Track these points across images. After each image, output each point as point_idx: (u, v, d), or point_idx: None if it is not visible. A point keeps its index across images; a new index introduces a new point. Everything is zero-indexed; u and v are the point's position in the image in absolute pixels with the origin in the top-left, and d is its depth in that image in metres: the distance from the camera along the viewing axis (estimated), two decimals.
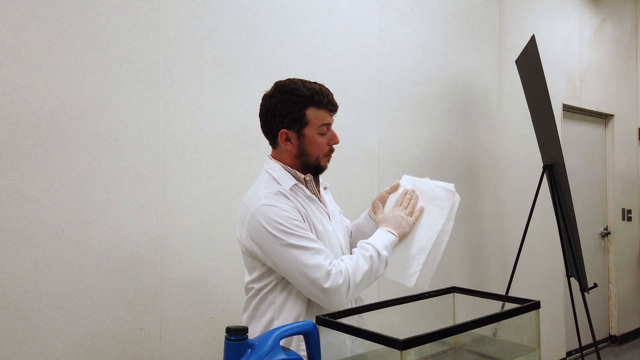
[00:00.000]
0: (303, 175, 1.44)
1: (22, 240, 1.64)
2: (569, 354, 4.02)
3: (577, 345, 3.37)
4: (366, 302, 1.38)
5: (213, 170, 2.07)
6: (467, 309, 1.43)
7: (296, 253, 1.28)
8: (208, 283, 2.04)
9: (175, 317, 1.95)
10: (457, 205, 1.43)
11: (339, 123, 2.56)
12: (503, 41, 3.46)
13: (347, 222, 1.71)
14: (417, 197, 1.46)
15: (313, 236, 1.34)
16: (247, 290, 1.44)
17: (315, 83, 1.42)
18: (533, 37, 2.66)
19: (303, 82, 1.41)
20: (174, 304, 1.95)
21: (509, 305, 1.34)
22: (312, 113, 1.39)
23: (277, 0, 2.28)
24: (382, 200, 1.54)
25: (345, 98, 2.52)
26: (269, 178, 1.42)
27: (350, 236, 1.65)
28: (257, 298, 1.40)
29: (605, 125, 4.68)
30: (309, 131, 1.40)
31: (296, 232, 1.30)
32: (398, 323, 1.29)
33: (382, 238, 1.37)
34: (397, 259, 1.41)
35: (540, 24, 3.77)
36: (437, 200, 1.43)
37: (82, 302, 1.75)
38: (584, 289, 2.69)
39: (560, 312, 3.92)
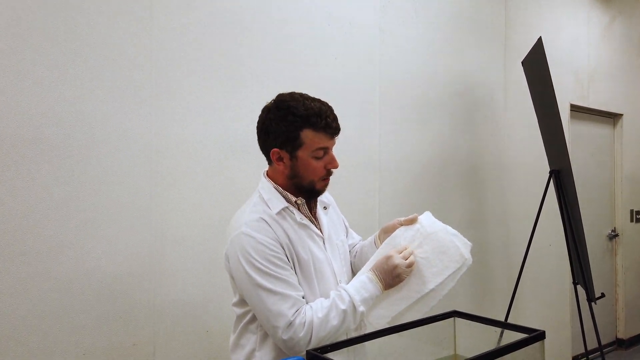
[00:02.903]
0: (295, 198, 1.36)
1: (9, 255, 1.59)
2: (575, 358, 3.95)
3: (582, 350, 3.31)
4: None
5: (209, 181, 2.01)
6: (468, 335, 1.37)
7: (263, 295, 1.23)
8: (203, 296, 1.98)
9: (170, 332, 1.90)
10: (464, 269, 1.32)
11: (341, 126, 2.49)
12: (509, 41, 3.37)
13: (357, 238, 1.64)
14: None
15: (287, 275, 1.26)
16: (234, 311, 1.40)
17: (317, 101, 1.32)
18: (540, 39, 2.58)
19: (305, 99, 1.31)
20: (168, 318, 1.90)
21: (511, 333, 1.28)
22: (307, 135, 1.29)
23: (274, 2, 2.21)
24: (392, 230, 1.42)
25: (346, 102, 2.45)
26: (258, 199, 1.36)
27: (354, 257, 1.57)
28: (241, 324, 1.36)
29: (613, 125, 4.58)
30: (302, 154, 1.31)
31: (268, 271, 1.23)
32: (395, 353, 1.23)
33: (365, 289, 1.27)
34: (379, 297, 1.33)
35: (548, 23, 3.68)
36: (446, 256, 1.31)
37: (72, 318, 1.70)
38: (590, 299, 2.62)
39: (566, 317, 3.85)
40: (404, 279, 1.29)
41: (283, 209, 1.34)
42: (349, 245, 1.58)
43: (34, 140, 1.64)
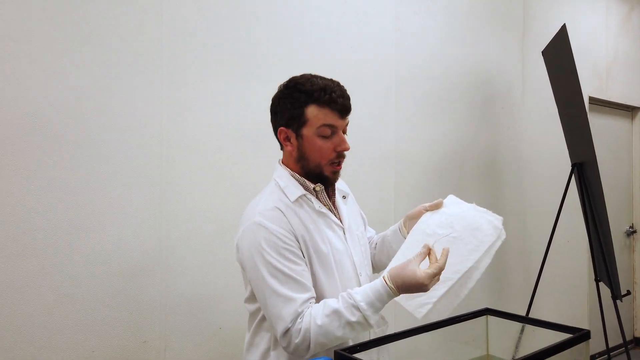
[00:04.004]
0: (313, 185, 1.28)
1: (14, 250, 1.53)
2: (592, 357, 3.86)
3: (601, 348, 3.22)
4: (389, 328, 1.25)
5: (221, 173, 1.93)
6: (501, 333, 1.28)
7: (267, 294, 1.16)
8: (215, 292, 1.91)
9: (181, 329, 1.83)
10: (499, 244, 1.24)
11: (355, 118, 2.42)
12: (527, 32, 3.27)
13: (372, 232, 1.56)
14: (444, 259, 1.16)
15: (298, 271, 1.17)
16: (246, 308, 1.32)
17: (327, 79, 1.25)
18: (564, 27, 2.48)
19: (314, 77, 1.25)
20: (179, 314, 1.83)
21: (542, 331, 1.20)
22: (312, 111, 1.22)
23: None
24: (417, 216, 1.34)
25: (361, 92, 2.37)
26: (275, 187, 1.28)
27: (374, 248, 1.50)
28: (255, 322, 1.29)
29: (632, 118, 4.47)
30: (307, 131, 1.23)
31: (278, 265, 1.16)
32: (425, 353, 1.15)
33: (380, 301, 1.13)
34: None
35: (566, 14, 3.57)
36: (479, 232, 1.24)
37: (81, 315, 1.63)
38: (616, 296, 2.52)
39: (584, 314, 3.76)
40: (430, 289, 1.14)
41: (300, 197, 1.26)
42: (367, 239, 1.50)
43: (41, 130, 1.57)
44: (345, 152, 1.27)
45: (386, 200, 2.49)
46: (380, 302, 1.12)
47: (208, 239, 1.89)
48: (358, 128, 2.35)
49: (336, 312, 1.12)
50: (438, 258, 1.13)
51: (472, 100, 2.92)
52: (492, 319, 1.25)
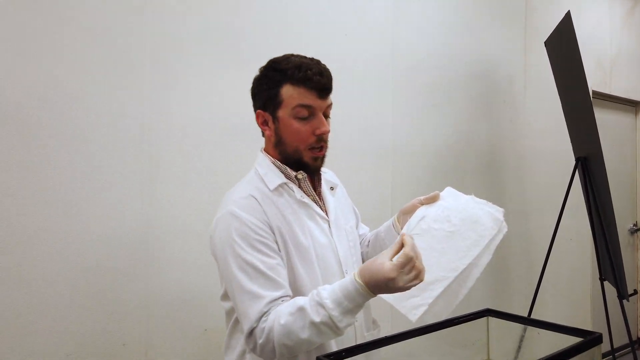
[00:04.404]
0: (295, 173, 1.19)
1: None
2: None
3: (605, 349, 3.12)
4: (382, 330, 1.14)
5: (209, 165, 1.83)
6: (502, 336, 1.18)
7: (235, 289, 1.07)
8: (200, 291, 1.81)
9: (164, 331, 1.73)
10: (500, 238, 1.14)
11: (350, 111, 2.34)
12: (529, 22, 3.17)
13: (365, 229, 1.46)
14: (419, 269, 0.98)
15: (270, 266, 1.07)
16: (222, 306, 1.23)
17: (307, 58, 1.16)
18: (568, 14, 2.37)
19: (293, 56, 1.16)
20: (162, 315, 1.73)
21: (547, 333, 1.10)
22: (287, 91, 1.13)
23: None
24: (412, 210, 1.24)
25: (356, 84, 2.27)
26: (254, 175, 1.20)
27: (367, 246, 1.40)
28: (231, 322, 1.19)
29: (635, 114, 4.38)
30: (282, 113, 1.14)
31: (248, 258, 1.06)
32: (421, 357, 1.05)
33: (348, 297, 0.98)
34: None
35: (569, 6, 3.47)
36: (478, 225, 1.14)
37: (56, 316, 1.53)
38: (622, 295, 2.42)
39: (587, 314, 3.66)
40: (412, 287, 0.97)
41: (281, 185, 1.17)
42: (360, 236, 1.40)
43: (14, 119, 1.47)
44: (327, 137, 1.18)
45: (383, 197, 2.39)
46: (349, 301, 0.97)
47: (193, 235, 1.79)
48: (353, 122, 2.25)
49: (301, 311, 1.00)
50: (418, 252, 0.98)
51: (472, 93, 2.82)
52: (493, 320, 1.15)
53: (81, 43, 1.58)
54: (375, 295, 0.98)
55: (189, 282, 1.78)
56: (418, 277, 0.95)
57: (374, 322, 1.30)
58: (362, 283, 0.96)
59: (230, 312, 1.19)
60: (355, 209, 1.44)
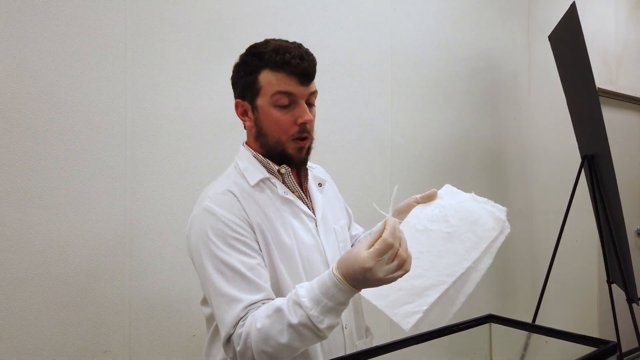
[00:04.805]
0: (277, 167, 1.10)
1: None
2: None
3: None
4: (376, 338, 1.05)
5: (192, 162, 1.74)
6: (506, 343, 1.09)
7: (211, 292, 0.99)
8: (187, 294, 1.72)
9: (148, 337, 1.64)
10: (502, 239, 1.04)
11: (346, 106, 2.24)
12: (533, 16, 3.08)
13: (359, 230, 1.37)
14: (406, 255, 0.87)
15: (249, 267, 0.98)
16: (202, 311, 1.15)
17: (286, 41, 1.08)
18: (573, 5, 2.28)
19: (274, 40, 1.09)
20: (146, 320, 1.64)
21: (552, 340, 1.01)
22: (265, 77, 1.05)
23: None
24: (408, 209, 1.15)
25: (353, 78, 2.18)
26: (233, 170, 1.12)
27: None
28: (211, 329, 1.11)
29: None
30: (261, 101, 1.06)
31: (225, 258, 0.98)
32: None
33: (326, 294, 0.87)
34: (397, 283, 0.97)
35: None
36: (478, 226, 1.05)
37: (30, 321, 1.44)
38: (632, 299, 2.32)
39: (594, 318, 3.56)
40: (396, 279, 0.86)
41: (262, 180, 1.09)
42: (352, 237, 1.31)
43: None
44: (312, 127, 1.09)
45: (382, 197, 2.30)
46: (329, 299, 0.86)
47: (178, 236, 1.70)
48: (350, 118, 2.17)
49: (278, 312, 0.89)
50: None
51: (474, 89, 2.73)
52: (496, 326, 1.06)
53: (57, 34, 1.49)
54: (359, 291, 0.87)
55: (174, 285, 1.70)
56: (402, 267, 0.84)
57: (367, 329, 1.21)
58: (339, 276, 0.85)
59: (210, 318, 1.11)
60: (348, 208, 1.35)
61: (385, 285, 0.94)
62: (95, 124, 1.56)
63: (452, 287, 0.98)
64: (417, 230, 1.08)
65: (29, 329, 1.44)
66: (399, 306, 0.97)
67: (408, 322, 0.95)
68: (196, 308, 1.70)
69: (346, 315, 1.13)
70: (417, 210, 1.13)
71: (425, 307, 0.95)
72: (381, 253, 0.82)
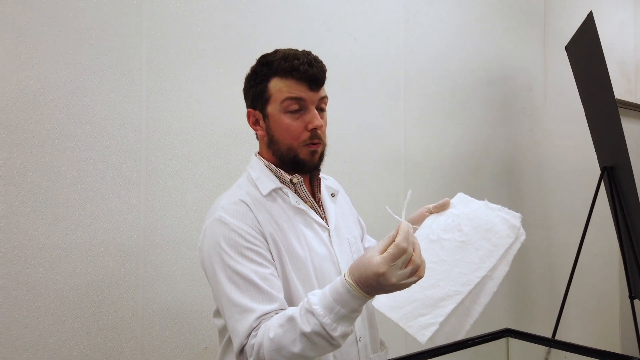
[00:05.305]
0: (289, 176, 1.09)
1: None
2: None
3: None
4: (391, 352, 1.02)
5: (206, 173, 1.74)
6: (523, 358, 1.05)
7: (224, 303, 0.98)
8: (200, 306, 1.71)
9: (160, 348, 1.63)
10: (518, 246, 1.02)
11: (359, 117, 2.24)
12: (548, 26, 3.05)
13: (372, 242, 1.35)
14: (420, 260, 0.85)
15: (262, 276, 0.97)
16: (215, 324, 1.14)
17: (295, 50, 1.09)
18: (590, 15, 2.25)
19: (280, 49, 1.10)
20: (159, 332, 1.63)
21: (575, 357, 0.97)
22: (274, 85, 1.06)
23: None
24: (420, 219, 1.14)
25: (366, 89, 2.17)
26: (245, 180, 1.12)
27: None
28: (224, 341, 1.10)
29: None
30: (272, 109, 1.07)
31: (238, 267, 0.97)
32: None
33: (339, 301, 0.84)
34: (411, 294, 0.98)
35: (590, 8, 3.34)
36: (493, 233, 1.02)
37: (43, 332, 1.44)
38: None
39: (616, 335, 3.45)
40: (410, 285, 0.83)
41: (274, 190, 1.08)
42: (365, 250, 1.29)
43: (2, 122, 1.40)
44: (323, 133, 1.09)
45: (394, 208, 2.27)
46: (342, 306, 0.83)
47: (191, 246, 1.70)
48: (362, 128, 2.16)
49: (291, 321, 0.87)
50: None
51: (489, 100, 2.70)
52: (513, 341, 1.03)
53: (74, 45, 1.51)
54: (372, 297, 0.85)
55: (188, 297, 1.69)
56: (416, 272, 0.82)
57: (382, 343, 1.19)
58: (352, 282, 0.83)
59: (222, 330, 1.10)
60: (361, 220, 1.34)
61: (399, 297, 0.92)
62: (111, 135, 1.57)
63: (467, 297, 0.95)
64: (431, 240, 1.06)
65: (44, 339, 1.44)
66: (414, 318, 0.94)
67: (424, 335, 0.92)
68: (209, 320, 1.70)
69: (360, 327, 1.11)
70: (430, 221, 1.11)
71: (441, 319, 0.93)
72: (395, 258, 0.80)
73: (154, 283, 1.63)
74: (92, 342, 1.52)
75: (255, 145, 1.69)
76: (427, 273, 0.87)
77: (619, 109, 3.61)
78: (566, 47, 2.66)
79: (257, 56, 1.71)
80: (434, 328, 0.92)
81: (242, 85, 1.83)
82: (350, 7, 2.15)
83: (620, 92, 3.60)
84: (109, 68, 1.57)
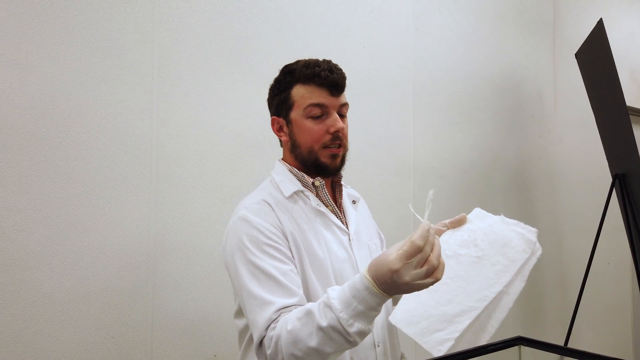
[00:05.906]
0: (311, 180, 1.12)
1: None
2: None
3: None
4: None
5: (219, 181, 1.75)
6: None
7: (244, 296, 0.99)
8: (210, 314, 1.71)
9: (170, 356, 1.63)
10: (534, 261, 1.01)
11: (369, 125, 2.24)
12: (558, 33, 3.04)
13: None
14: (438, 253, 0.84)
15: (282, 272, 0.98)
16: (235, 325, 1.14)
17: (314, 59, 1.14)
18: (600, 22, 2.25)
19: (301, 59, 1.15)
20: (168, 339, 1.63)
21: None
22: (297, 92, 1.11)
23: None
24: (437, 235, 1.11)
25: (375, 98, 2.18)
26: (268, 183, 1.16)
27: None
28: (244, 342, 1.10)
29: None
30: (295, 115, 1.11)
31: (258, 262, 0.98)
32: None
33: (357, 297, 0.83)
34: (427, 310, 0.97)
35: (600, 15, 3.33)
36: (509, 248, 1.02)
37: (54, 338, 1.45)
38: None
39: (629, 345, 3.40)
40: (426, 286, 0.82)
41: (296, 193, 1.11)
42: None
43: (12, 130, 1.42)
44: (345, 136, 1.13)
45: (404, 218, 2.27)
46: (359, 302, 0.82)
47: (202, 253, 1.70)
48: (372, 137, 2.16)
49: (309, 315, 0.87)
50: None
51: (499, 108, 2.69)
52: (525, 349, 1.02)
53: (86, 54, 1.54)
54: (390, 297, 0.83)
55: (198, 304, 1.69)
56: (433, 274, 0.80)
57: (402, 356, 1.19)
58: (370, 279, 0.82)
59: (243, 331, 1.11)
60: (381, 233, 1.34)
61: (415, 313, 0.92)
62: (122, 143, 1.58)
63: (483, 312, 0.95)
64: (447, 256, 1.05)
65: (54, 346, 1.45)
66: (429, 334, 0.94)
67: (439, 350, 0.92)
68: (218, 327, 1.70)
69: (379, 333, 1.11)
70: (447, 236, 1.11)
71: (457, 335, 0.92)
72: (409, 255, 0.78)
73: (163, 290, 1.64)
74: (102, 349, 1.52)
75: (264, 154, 1.71)
76: (443, 289, 0.87)
77: (630, 115, 3.59)
78: (576, 55, 2.65)
79: (268, 66, 1.73)
80: (450, 344, 0.92)
81: (252, 95, 1.85)
82: (360, 17, 2.16)
83: (631, 99, 3.58)
84: (120, 77, 1.59)
